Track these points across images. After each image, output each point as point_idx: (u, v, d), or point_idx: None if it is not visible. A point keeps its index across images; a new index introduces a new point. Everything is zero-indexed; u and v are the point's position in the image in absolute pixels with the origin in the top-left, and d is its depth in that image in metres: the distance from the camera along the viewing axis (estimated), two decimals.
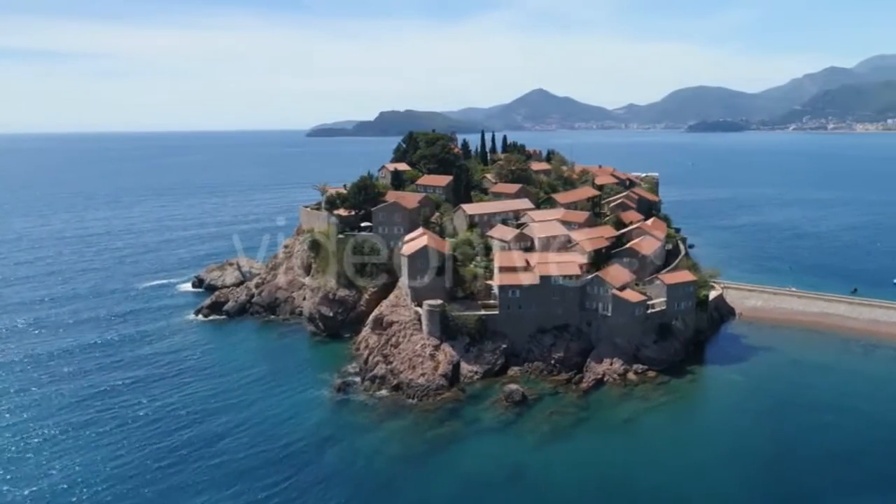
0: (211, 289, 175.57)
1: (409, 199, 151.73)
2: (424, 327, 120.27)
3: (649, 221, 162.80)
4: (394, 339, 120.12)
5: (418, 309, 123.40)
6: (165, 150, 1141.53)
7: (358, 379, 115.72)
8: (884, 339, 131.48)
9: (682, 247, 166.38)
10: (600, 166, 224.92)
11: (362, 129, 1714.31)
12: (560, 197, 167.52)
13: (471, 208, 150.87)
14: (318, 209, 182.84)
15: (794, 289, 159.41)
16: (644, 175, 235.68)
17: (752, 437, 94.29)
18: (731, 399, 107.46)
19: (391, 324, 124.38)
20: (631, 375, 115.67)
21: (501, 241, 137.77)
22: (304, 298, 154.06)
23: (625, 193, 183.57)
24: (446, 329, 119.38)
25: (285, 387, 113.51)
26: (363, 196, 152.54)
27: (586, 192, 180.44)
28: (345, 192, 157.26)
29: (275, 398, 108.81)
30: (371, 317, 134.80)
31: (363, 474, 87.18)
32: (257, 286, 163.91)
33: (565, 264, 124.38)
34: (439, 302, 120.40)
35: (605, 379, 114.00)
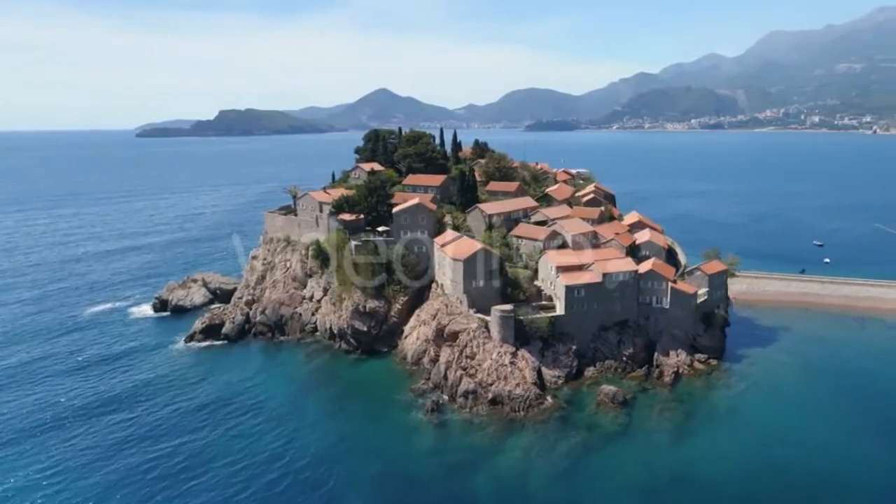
0: (178, 310, 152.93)
1: (425, 199, 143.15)
2: (496, 334, 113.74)
3: (633, 215, 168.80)
4: (468, 350, 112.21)
5: (482, 316, 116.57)
6: None
7: (445, 397, 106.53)
8: (865, 313, 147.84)
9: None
10: (537, 163, 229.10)
11: (201, 128, 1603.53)
12: (556, 194, 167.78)
13: (488, 208, 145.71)
14: (286, 214, 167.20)
15: (772, 273, 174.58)
16: (576, 171, 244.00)
17: (860, 411, 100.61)
18: (798, 378, 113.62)
19: (456, 334, 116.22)
20: (697, 365, 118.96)
21: (533, 240, 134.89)
22: (314, 313, 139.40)
23: (592, 188, 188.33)
24: (519, 335, 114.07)
25: (368, 416, 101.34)
26: (375, 198, 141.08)
27: (567, 188, 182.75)
28: (351, 194, 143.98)
29: (367, 429, 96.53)
30: (412, 327, 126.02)
31: (527, 497, 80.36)
32: (248, 303, 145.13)
33: (622, 261, 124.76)
34: (510, 307, 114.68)
35: (680, 371, 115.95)
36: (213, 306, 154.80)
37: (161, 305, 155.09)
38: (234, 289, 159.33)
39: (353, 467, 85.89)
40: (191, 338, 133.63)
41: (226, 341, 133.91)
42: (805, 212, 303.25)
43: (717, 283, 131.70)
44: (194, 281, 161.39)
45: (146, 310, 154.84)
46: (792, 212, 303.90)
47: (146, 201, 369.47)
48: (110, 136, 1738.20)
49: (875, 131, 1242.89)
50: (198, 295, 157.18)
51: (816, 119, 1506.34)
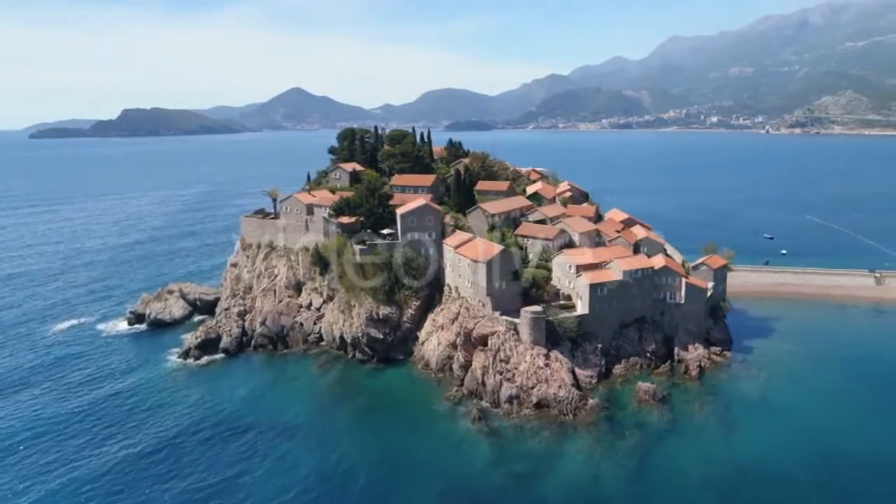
0: (157, 325, 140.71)
1: (426, 200, 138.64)
2: (527, 336, 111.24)
3: (616, 212, 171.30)
4: (501, 354, 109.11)
5: (509, 318, 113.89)
6: None
7: (485, 403, 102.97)
8: (843, 301, 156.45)
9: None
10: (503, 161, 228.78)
11: (103, 128, 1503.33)
12: (544, 192, 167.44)
13: (490, 207, 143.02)
14: (264, 217, 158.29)
15: (744, 266, 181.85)
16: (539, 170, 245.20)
17: (879, 394, 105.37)
18: (810, 365, 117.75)
19: (485, 337, 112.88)
20: (714, 357, 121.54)
21: (541, 239, 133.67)
22: (316, 322, 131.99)
23: (567, 185, 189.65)
24: (549, 336, 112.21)
25: (411, 429, 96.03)
26: (376, 200, 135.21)
27: (550, 187, 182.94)
28: (351, 196, 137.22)
29: (417, 444, 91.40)
30: (428, 332, 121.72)
31: (606, 501, 78.67)
32: (241, 315, 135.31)
33: (637, 258, 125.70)
34: (540, 308, 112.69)
35: (702, 364, 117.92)
36: (195, 318, 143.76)
37: (136, 319, 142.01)
38: (216, 299, 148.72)
39: (420, 487, 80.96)
40: (186, 354, 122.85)
41: (225, 356, 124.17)
42: (739, 206, 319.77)
43: (720, 276, 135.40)
44: (170, 292, 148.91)
45: (119, 325, 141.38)
46: (727, 206, 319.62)
47: (73, 209, 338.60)
48: None
49: (768, 131, 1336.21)
50: (176, 307, 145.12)
51: (715, 119, 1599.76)
